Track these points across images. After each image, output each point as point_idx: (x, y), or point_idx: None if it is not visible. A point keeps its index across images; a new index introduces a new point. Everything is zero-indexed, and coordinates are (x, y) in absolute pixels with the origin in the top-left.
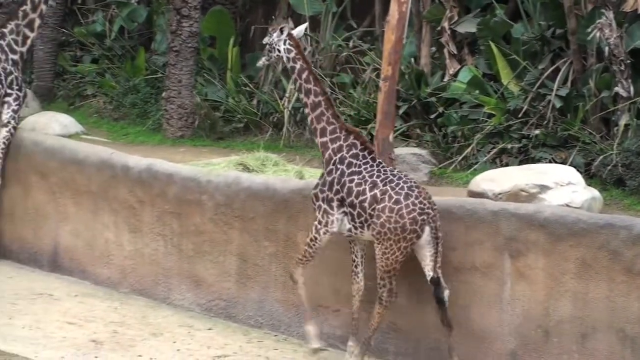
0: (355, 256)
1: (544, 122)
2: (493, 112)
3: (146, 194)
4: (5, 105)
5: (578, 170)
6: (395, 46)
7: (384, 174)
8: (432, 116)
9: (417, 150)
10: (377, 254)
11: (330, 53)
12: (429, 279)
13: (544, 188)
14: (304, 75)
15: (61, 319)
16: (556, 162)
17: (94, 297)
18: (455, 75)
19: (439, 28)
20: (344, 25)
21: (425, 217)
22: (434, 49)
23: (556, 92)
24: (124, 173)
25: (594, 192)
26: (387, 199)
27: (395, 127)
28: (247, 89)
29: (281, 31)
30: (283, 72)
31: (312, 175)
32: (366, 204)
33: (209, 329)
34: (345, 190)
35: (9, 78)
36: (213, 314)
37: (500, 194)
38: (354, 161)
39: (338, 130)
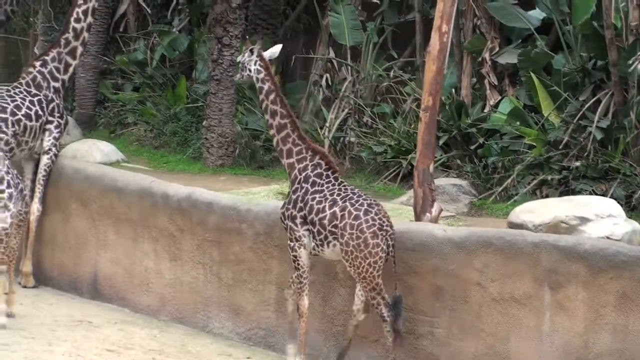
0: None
1: (584, 154)
2: (533, 144)
3: (186, 222)
4: (47, 133)
5: (619, 203)
6: (436, 77)
7: (344, 193)
8: (473, 147)
9: (457, 181)
10: (354, 276)
11: (371, 83)
12: (394, 296)
13: (584, 220)
14: (271, 97)
15: (100, 347)
16: (597, 194)
17: (133, 324)
18: (496, 106)
19: (479, 59)
20: (385, 55)
21: (384, 234)
22: (474, 79)
23: (597, 123)
24: (164, 201)
25: (635, 225)
26: (346, 215)
27: (436, 157)
28: None
29: (251, 52)
30: (323, 102)
31: None
32: (325, 221)
33: (248, 358)
34: (307, 207)
35: (51, 105)
36: (252, 342)
37: (540, 225)
38: (318, 180)
39: (304, 151)
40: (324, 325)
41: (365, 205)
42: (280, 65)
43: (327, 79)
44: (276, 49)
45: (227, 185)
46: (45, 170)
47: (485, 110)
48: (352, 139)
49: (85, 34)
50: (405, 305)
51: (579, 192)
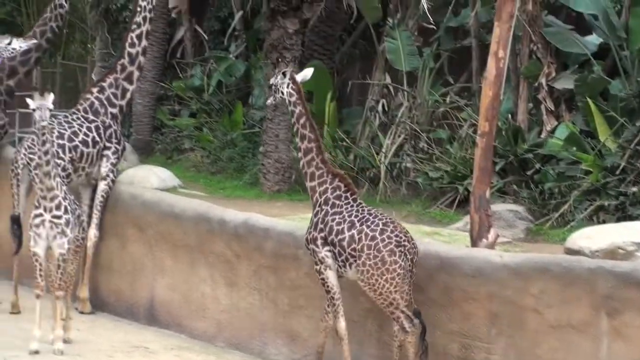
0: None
1: None
2: (590, 169)
3: (242, 248)
4: (104, 159)
5: None
6: (493, 102)
7: (361, 214)
8: (529, 172)
9: (513, 206)
10: (370, 295)
11: (427, 109)
12: (413, 310)
13: None
14: (301, 121)
15: None
16: None
17: (190, 350)
18: (553, 131)
19: (536, 84)
20: (441, 80)
21: (403, 249)
22: (531, 105)
23: None
24: (220, 227)
25: None
26: (363, 238)
27: (492, 183)
28: (344, 144)
29: (284, 74)
30: (379, 128)
31: (408, 230)
32: (345, 243)
33: None
34: (327, 229)
35: (108, 131)
36: None
37: (597, 251)
38: (337, 202)
39: (325, 174)
40: (379, 352)
41: (381, 225)
42: (337, 91)
43: (383, 104)
44: (308, 72)
45: (283, 211)
46: (102, 196)
47: (542, 136)
48: (409, 165)
49: (141, 58)
50: (462, 332)
51: (636, 218)
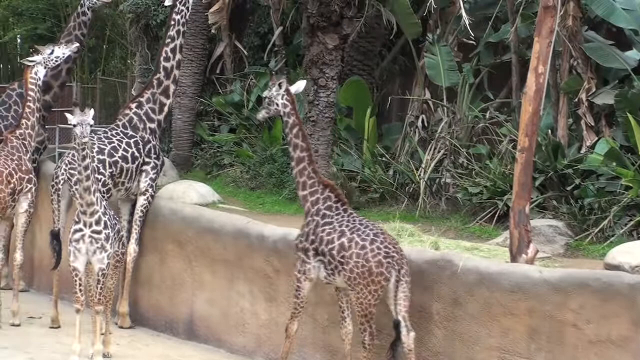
0: (341, 302)
1: None
2: (630, 185)
3: (282, 263)
4: (143, 174)
5: None
6: (532, 117)
7: (352, 224)
8: (569, 188)
9: (553, 222)
10: (352, 300)
11: (467, 124)
12: (393, 319)
13: None
14: (294, 130)
15: None
16: None
17: None
18: (593, 147)
19: (576, 100)
20: (481, 96)
21: (391, 261)
22: (571, 120)
23: None
24: (259, 242)
25: None
26: (353, 245)
27: (532, 198)
28: (384, 159)
29: (279, 86)
30: (419, 143)
31: (448, 246)
32: (335, 252)
33: None
34: (318, 239)
35: (147, 147)
36: None
37: (637, 267)
38: (328, 212)
39: (316, 184)
40: None
41: (372, 235)
42: (376, 107)
43: (423, 120)
44: (301, 84)
45: None
46: (142, 211)
47: (582, 151)
48: (448, 180)
49: (176, 72)
50: (501, 347)
51: None
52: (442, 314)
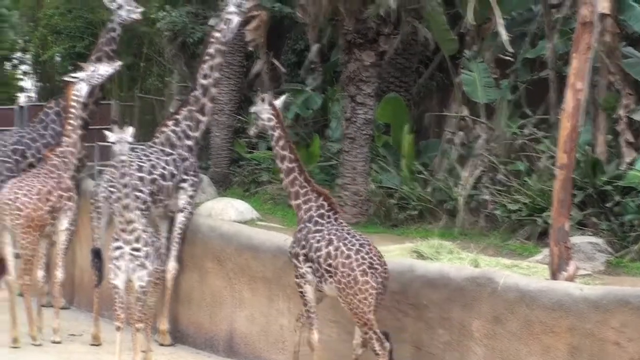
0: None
1: None
2: None
3: None
4: (181, 191)
5: None
6: (571, 134)
7: (340, 232)
8: (608, 205)
9: (593, 239)
10: (346, 311)
11: (505, 141)
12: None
13: None
14: (280, 143)
15: None
16: None
17: None
18: (632, 163)
19: (614, 116)
20: (519, 112)
21: (374, 272)
22: (609, 136)
23: None
24: None
25: None
26: (339, 254)
27: (571, 215)
28: (422, 176)
29: (262, 100)
30: (457, 160)
31: (487, 263)
32: (321, 260)
33: None
34: (308, 245)
35: (185, 164)
36: None
37: None
38: (320, 220)
39: (309, 193)
40: None
41: (357, 245)
42: (414, 124)
43: (461, 136)
44: (283, 98)
45: None
46: (180, 228)
47: (621, 168)
48: (487, 197)
49: (213, 90)
50: None
51: None
52: (482, 332)
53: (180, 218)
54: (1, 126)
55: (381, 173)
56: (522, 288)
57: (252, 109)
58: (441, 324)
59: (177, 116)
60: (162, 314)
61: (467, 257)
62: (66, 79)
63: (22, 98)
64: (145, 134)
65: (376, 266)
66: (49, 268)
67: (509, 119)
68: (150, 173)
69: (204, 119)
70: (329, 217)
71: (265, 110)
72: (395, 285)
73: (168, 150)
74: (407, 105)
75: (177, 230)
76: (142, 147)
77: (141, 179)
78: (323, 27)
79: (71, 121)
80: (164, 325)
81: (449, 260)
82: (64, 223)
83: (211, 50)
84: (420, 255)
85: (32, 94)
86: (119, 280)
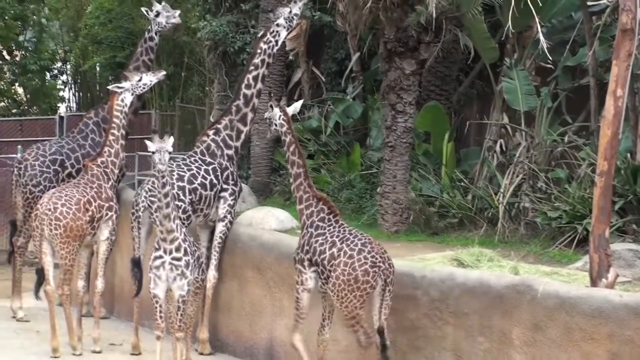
0: (324, 310)
1: None
2: None
3: None
4: (222, 200)
5: None
6: (611, 141)
7: (342, 234)
8: None
9: (633, 246)
10: (336, 304)
11: (545, 148)
12: (375, 327)
13: None
14: (291, 148)
15: None
16: None
17: None
18: None
19: None
20: (559, 120)
21: (377, 270)
22: None
23: None
24: None
25: None
26: (342, 255)
27: (611, 222)
28: (462, 184)
29: (271, 107)
30: (497, 167)
31: (527, 271)
32: (326, 262)
33: None
34: (312, 250)
35: (225, 173)
36: None
37: None
38: (321, 224)
39: (311, 198)
40: None
41: (360, 245)
42: (454, 132)
43: (501, 144)
44: (298, 104)
45: (401, 252)
46: (220, 237)
47: None
48: (527, 205)
49: (255, 100)
50: None
51: None
52: (522, 339)
53: (220, 227)
54: (42, 136)
55: (421, 181)
56: (562, 295)
57: (266, 115)
58: (481, 331)
59: (218, 125)
60: (202, 323)
61: (507, 265)
62: (111, 88)
63: (62, 108)
64: (185, 144)
65: (379, 264)
66: (89, 278)
67: (549, 127)
68: (191, 182)
69: (245, 128)
70: (329, 220)
71: (277, 116)
72: (436, 293)
73: (208, 159)
74: (447, 113)
75: (217, 240)
76: (182, 156)
77: (182, 188)
78: (363, 36)
79: (114, 131)
80: (203, 334)
81: (489, 268)
82: (104, 233)
83: (257, 61)
84: (461, 263)
85: (73, 104)
86: (159, 290)
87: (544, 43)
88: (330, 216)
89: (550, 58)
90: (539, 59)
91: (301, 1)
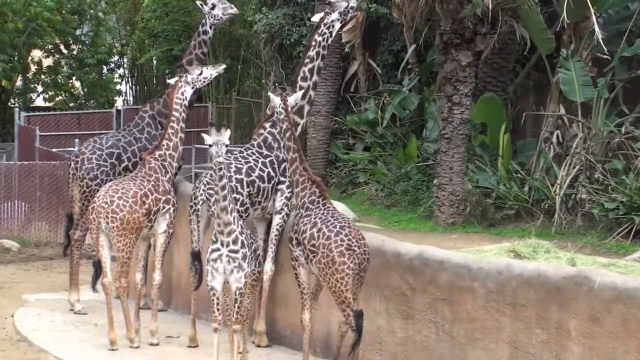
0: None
1: None
2: None
3: (417, 280)
4: (279, 193)
5: None
6: None
7: (324, 216)
8: None
9: None
10: (326, 288)
11: (602, 139)
12: (356, 310)
13: None
14: (287, 134)
15: None
16: None
17: None
18: None
19: None
20: (616, 111)
21: (352, 252)
22: None
23: None
24: (395, 260)
25: None
26: (320, 236)
27: None
28: (519, 175)
29: (277, 96)
30: (554, 159)
31: (584, 262)
32: (306, 241)
33: None
34: (299, 230)
35: (282, 166)
36: None
37: None
38: (310, 206)
39: (306, 181)
40: None
41: (338, 227)
42: (511, 123)
43: (557, 135)
44: (298, 94)
45: (458, 244)
46: (277, 230)
47: None
48: (584, 196)
49: (312, 93)
50: None
51: None
52: (580, 331)
53: (277, 220)
54: (99, 129)
55: (478, 173)
56: (619, 287)
57: (270, 104)
58: (538, 323)
59: (274, 118)
60: (259, 316)
61: (564, 257)
62: (170, 82)
63: (119, 101)
64: (242, 136)
65: (354, 247)
66: (146, 271)
67: (606, 118)
68: (249, 175)
69: (301, 121)
70: (317, 202)
71: (277, 104)
72: (493, 285)
73: (265, 152)
74: (503, 104)
75: (274, 232)
76: (239, 149)
77: (240, 181)
78: (419, 28)
79: (173, 124)
80: (260, 326)
81: (546, 259)
82: (162, 226)
83: (312, 53)
84: (518, 255)
85: (129, 97)
86: (216, 282)
87: (599, 34)
88: (320, 199)
89: (607, 49)
90: (595, 49)
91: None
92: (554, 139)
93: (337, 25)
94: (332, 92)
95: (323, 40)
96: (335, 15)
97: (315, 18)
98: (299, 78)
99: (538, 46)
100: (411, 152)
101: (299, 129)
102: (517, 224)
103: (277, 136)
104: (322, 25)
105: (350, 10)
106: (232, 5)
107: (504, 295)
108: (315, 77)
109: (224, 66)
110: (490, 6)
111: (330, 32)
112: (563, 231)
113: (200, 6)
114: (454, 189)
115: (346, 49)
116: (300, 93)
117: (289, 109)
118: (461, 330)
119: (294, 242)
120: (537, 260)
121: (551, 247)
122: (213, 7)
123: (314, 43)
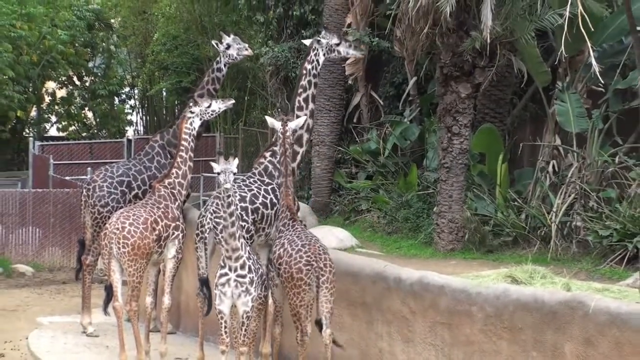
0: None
1: None
2: None
3: (418, 305)
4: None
5: None
6: None
7: (290, 236)
8: None
9: None
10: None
11: (597, 169)
12: (316, 318)
13: None
14: (280, 158)
15: None
16: None
17: None
18: None
19: None
20: (610, 141)
21: (310, 268)
22: None
23: None
24: (396, 285)
25: None
26: (284, 254)
27: None
28: (516, 203)
29: (279, 120)
30: (550, 188)
31: (579, 287)
32: (275, 261)
33: None
34: (273, 251)
35: None
36: None
37: None
38: (282, 228)
39: (283, 205)
40: None
41: (299, 245)
42: (508, 153)
43: (553, 165)
44: (301, 119)
45: (457, 269)
46: None
47: None
48: (579, 223)
49: (309, 121)
50: None
51: None
52: (575, 354)
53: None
54: (111, 158)
55: (476, 201)
56: (613, 311)
57: (269, 125)
58: (535, 346)
59: (274, 147)
60: (265, 339)
61: (559, 282)
62: (183, 113)
63: (130, 131)
64: (248, 165)
65: (313, 263)
66: (156, 294)
67: (600, 148)
68: (253, 202)
69: (300, 149)
70: (288, 224)
71: (278, 128)
72: (491, 309)
73: (267, 180)
74: (501, 135)
75: None
76: (242, 177)
77: (244, 209)
78: (420, 61)
79: (182, 153)
80: (266, 349)
81: (542, 284)
82: (171, 251)
83: (304, 82)
84: (515, 280)
85: (140, 127)
86: (224, 306)
87: (595, 67)
88: (290, 221)
89: (602, 81)
90: (590, 82)
91: (350, 48)
92: (550, 169)
93: (322, 57)
94: (335, 122)
95: (312, 68)
96: (320, 47)
97: (307, 42)
98: (295, 107)
99: (535, 79)
100: (412, 181)
101: (299, 157)
102: (515, 251)
103: (278, 165)
104: (311, 52)
105: (335, 52)
106: (247, 46)
107: (501, 319)
108: (311, 106)
109: (233, 101)
110: (489, 40)
111: (317, 60)
112: (559, 257)
113: (215, 45)
114: (453, 216)
115: (349, 81)
116: (302, 119)
117: (287, 133)
118: (460, 353)
119: (270, 264)
120: (534, 285)
121: (547, 273)
122: (228, 47)
123: (304, 72)
